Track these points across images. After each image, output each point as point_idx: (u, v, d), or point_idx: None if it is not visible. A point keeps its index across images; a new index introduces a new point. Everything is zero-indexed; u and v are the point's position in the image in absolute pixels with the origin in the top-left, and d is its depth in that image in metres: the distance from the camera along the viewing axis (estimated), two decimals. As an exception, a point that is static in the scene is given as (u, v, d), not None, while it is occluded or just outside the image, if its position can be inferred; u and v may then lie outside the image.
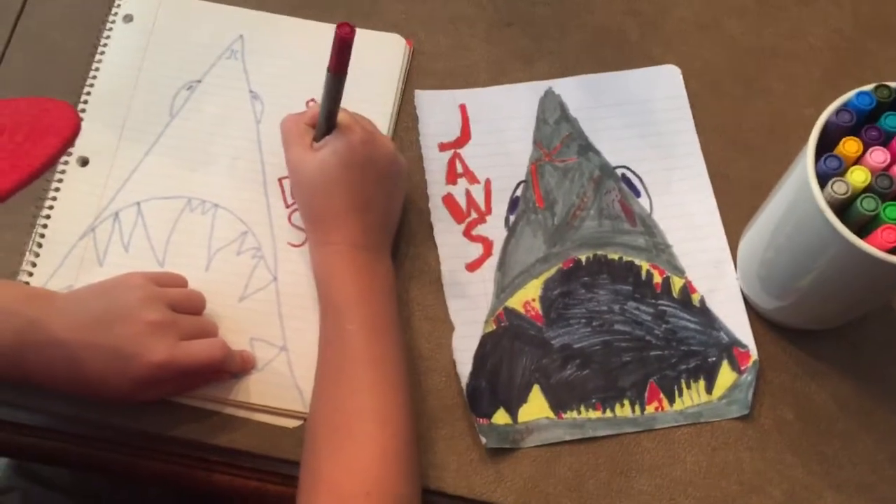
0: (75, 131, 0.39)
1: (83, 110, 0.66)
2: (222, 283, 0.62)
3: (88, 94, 0.67)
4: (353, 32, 0.53)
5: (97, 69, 0.68)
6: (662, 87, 0.70)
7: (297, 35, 0.70)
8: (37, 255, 0.62)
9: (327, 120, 0.59)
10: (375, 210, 0.59)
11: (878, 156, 0.50)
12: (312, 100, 0.67)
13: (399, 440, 0.54)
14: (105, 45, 0.68)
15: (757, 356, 0.62)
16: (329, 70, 0.56)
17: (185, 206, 0.64)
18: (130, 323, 0.55)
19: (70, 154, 0.65)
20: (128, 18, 0.69)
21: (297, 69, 0.68)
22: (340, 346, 0.56)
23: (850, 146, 0.50)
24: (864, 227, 0.50)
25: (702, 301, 0.64)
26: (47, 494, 0.71)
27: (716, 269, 0.64)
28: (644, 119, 0.69)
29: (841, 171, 0.50)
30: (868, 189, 0.49)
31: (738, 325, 0.63)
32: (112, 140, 0.66)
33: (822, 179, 0.50)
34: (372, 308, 0.57)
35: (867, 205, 0.49)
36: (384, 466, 0.52)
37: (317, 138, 0.60)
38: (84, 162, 0.65)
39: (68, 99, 0.67)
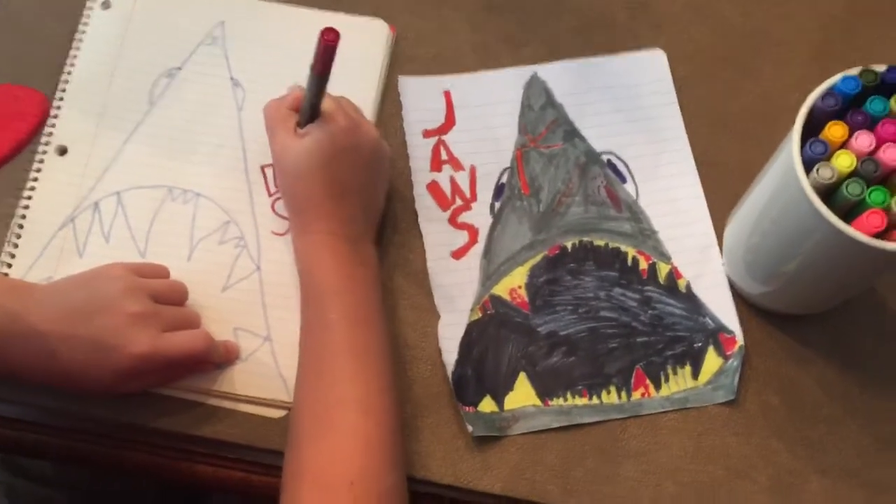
0: (43, 117, 0.39)
1: (61, 98, 0.65)
2: (205, 272, 0.61)
3: (66, 81, 0.66)
4: (337, 39, 0.53)
5: (75, 56, 0.66)
6: (649, 72, 0.69)
7: (279, 21, 0.69)
8: (15, 246, 0.61)
9: (311, 109, 0.58)
10: (359, 198, 0.59)
11: (864, 140, 0.49)
12: (299, 87, 0.67)
13: (383, 429, 0.53)
14: (83, 31, 0.67)
15: (743, 341, 0.62)
16: (312, 70, 0.56)
17: (166, 195, 0.63)
18: (112, 314, 0.54)
19: (48, 143, 0.64)
20: (106, 5, 0.68)
21: (279, 56, 0.67)
22: (322, 336, 0.56)
23: (835, 131, 0.50)
24: (849, 212, 0.50)
25: (688, 287, 0.63)
26: (31, 487, 0.71)
27: (702, 255, 0.64)
28: (630, 104, 0.68)
29: (826, 156, 0.50)
30: (853, 173, 0.49)
31: (724, 310, 0.63)
32: (91, 128, 0.65)
33: (808, 164, 0.50)
34: (354, 297, 0.57)
35: (852, 189, 0.48)
36: (368, 455, 0.52)
37: (301, 124, 0.59)
38: (62, 151, 0.64)
39: (46, 86, 0.65)
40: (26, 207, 0.62)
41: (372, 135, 0.60)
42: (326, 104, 0.59)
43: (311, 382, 0.55)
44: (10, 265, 0.61)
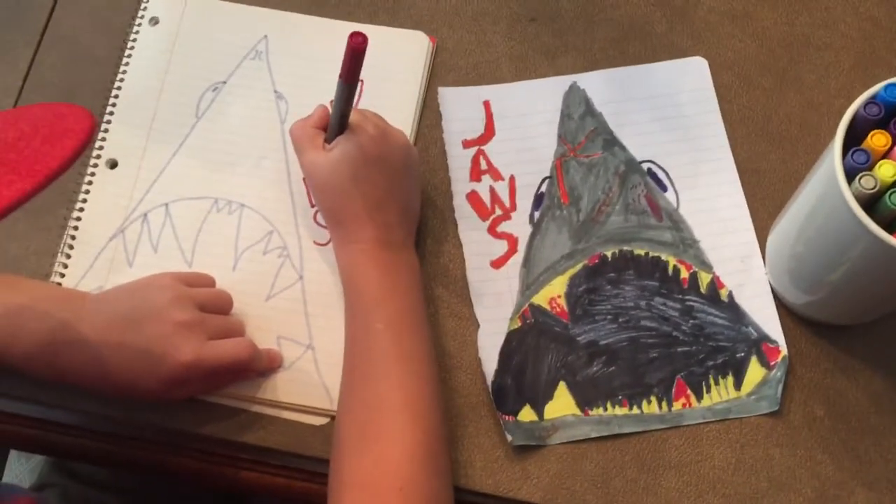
0: (91, 134, 0.40)
1: (111, 113, 0.67)
2: (249, 282, 0.63)
3: (116, 96, 0.68)
4: (365, 42, 0.53)
5: (124, 72, 0.68)
6: (689, 79, 0.69)
7: (321, 34, 0.70)
8: (68, 256, 0.63)
9: (339, 123, 0.59)
10: (394, 205, 0.60)
11: (908, 149, 0.49)
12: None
13: (430, 436, 0.54)
14: (132, 47, 0.69)
15: (787, 352, 0.61)
16: (340, 78, 0.56)
17: (211, 206, 0.65)
18: (159, 323, 0.56)
19: (99, 157, 0.66)
20: (154, 21, 0.70)
21: (321, 68, 0.68)
22: (368, 345, 0.56)
23: (877, 140, 0.49)
24: (893, 222, 0.49)
25: (730, 296, 0.63)
26: (84, 490, 0.72)
27: (744, 264, 0.64)
28: (670, 112, 0.68)
29: (869, 166, 0.49)
30: (897, 183, 0.49)
31: (768, 320, 0.62)
32: (140, 142, 0.66)
33: (850, 174, 0.49)
34: (399, 305, 0.57)
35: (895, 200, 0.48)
36: (416, 462, 0.52)
37: (329, 140, 0.60)
38: (113, 164, 0.66)
39: (97, 102, 0.68)
40: (78, 219, 0.64)
41: (401, 141, 0.61)
42: (352, 117, 0.59)
43: (358, 390, 0.56)
44: (63, 275, 0.63)
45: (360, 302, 0.58)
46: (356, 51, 0.53)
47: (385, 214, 0.59)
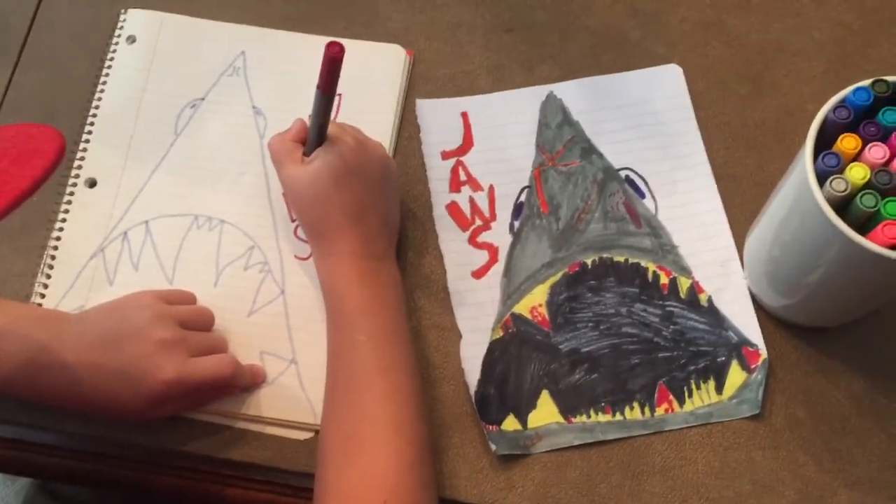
0: (60, 154, 0.40)
1: (90, 132, 0.67)
2: (231, 298, 0.63)
3: (94, 115, 0.68)
4: (342, 51, 0.53)
5: (102, 91, 0.69)
6: (664, 86, 0.70)
7: (299, 49, 0.70)
8: (48, 276, 0.63)
9: (318, 135, 0.59)
10: (374, 216, 0.60)
11: (877, 152, 0.49)
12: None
13: (414, 447, 0.54)
14: (109, 66, 0.69)
15: (767, 355, 0.62)
16: (318, 89, 0.56)
17: (192, 223, 0.65)
18: (140, 342, 0.56)
19: (78, 176, 0.66)
20: (131, 39, 0.70)
21: (299, 83, 0.69)
22: (350, 356, 0.57)
23: (847, 143, 0.50)
24: (865, 224, 0.50)
25: (710, 301, 0.63)
26: (68, 511, 0.72)
27: (723, 269, 0.64)
28: (647, 120, 0.69)
29: (840, 168, 0.50)
30: (868, 185, 0.49)
31: (747, 323, 0.63)
32: (119, 160, 0.66)
33: (822, 177, 0.50)
34: (380, 317, 0.58)
35: (867, 201, 0.48)
36: (400, 474, 0.53)
37: (307, 153, 0.60)
38: (92, 183, 0.66)
39: (75, 121, 0.68)
40: (58, 239, 0.64)
41: (379, 152, 0.61)
42: (330, 129, 0.60)
43: (341, 403, 0.56)
44: (43, 295, 0.63)
45: (342, 314, 0.58)
46: (333, 60, 0.54)
47: (365, 225, 0.59)
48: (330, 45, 0.53)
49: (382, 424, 0.54)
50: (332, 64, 0.54)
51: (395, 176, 0.63)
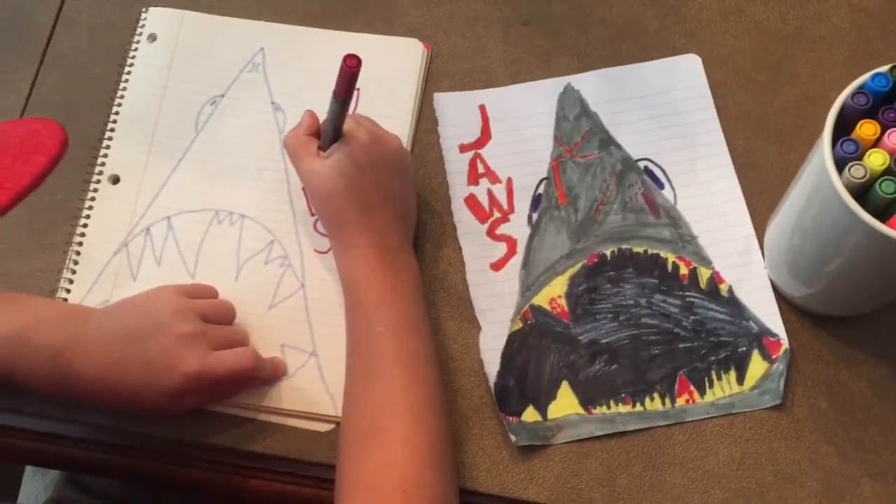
0: (63, 148, 0.41)
1: (112, 129, 0.68)
2: (252, 292, 0.63)
3: (117, 113, 0.69)
4: (359, 64, 0.55)
5: (124, 89, 0.69)
6: (683, 76, 0.70)
7: (317, 45, 0.71)
8: (73, 272, 0.64)
9: (334, 133, 0.60)
10: (391, 208, 0.60)
11: (897, 137, 0.49)
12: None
13: (433, 438, 0.54)
14: (131, 65, 0.70)
15: (788, 345, 0.61)
16: (334, 97, 0.57)
17: (213, 218, 0.66)
18: (163, 335, 0.56)
19: (101, 173, 0.67)
20: (152, 38, 0.71)
21: (318, 79, 0.69)
22: (370, 348, 0.57)
23: (866, 129, 0.49)
24: (885, 210, 0.49)
25: (730, 291, 0.63)
26: (96, 503, 0.73)
27: (743, 258, 0.64)
28: (665, 110, 0.69)
29: (859, 155, 0.49)
30: (887, 171, 0.49)
31: (768, 313, 0.62)
32: (141, 157, 0.67)
33: (841, 164, 0.49)
34: (399, 308, 0.58)
35: (886, 188, 0.48)
36: (419, 464, 0.53)
37: (324, 148, 0.61)
38: (115, 180, 0.67)
39: (98, 119, 0.69)
40: (82, 235, 0.65)
41: (395, 144, 0.62)
42: (346, 124, 0.60)
43: (361, 394, 0.56)
44: (68, 290, 0.63)
45: (361, 306, 0.58)
46: (350, 72, 0.55)
47: (382, 217, 0.59)
48: (347, 58, 0.55)
49: (401, 415, 0.54)
50: (349, 76, 0.55)
51: (411, 168, 0.63)
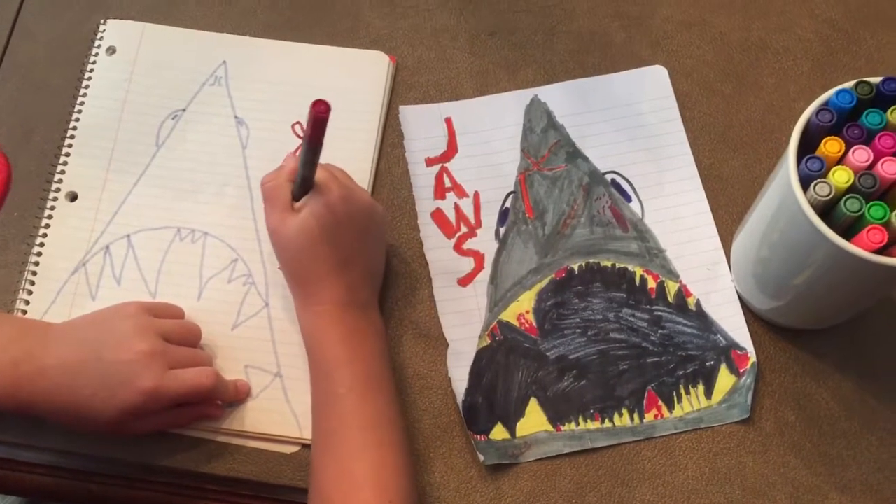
0: (5, 188, 0.39)
1: (70, 144, 0.67)
2: (215, 311, 0.62)
3: (75, 128, 0.67)
4: (328, 110, 0.52)
5: (82, 103, 0.68)
6: (649, 88, 0.69)
7: (280, 58, 0.70)
8: (30, 292, 0.62)
9: (304, 181, 0.58)
10: (359, 266, 0.59)
11: (861, 155, 0.49)
12: (298, 123, 0.67)
13: (394, 500, 0.53)
14: (89, 78, 0.69)
15: (756, 358, 0.61)
16: (305, 143, 0.55)
17: (174, 235, 0.64)
18: (121, 351, 0.55)
19: (58, 190, 0.65)
20: (111, 50, 0.70)
21: (281, 92, 0.68)
22: (331, 411, 0.55)
23: (831, 146, 0.49)
24: (850, 227, 0.49)
25: (697, 304, 0.63)
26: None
27: (710, 272, 0.64)
28: (632, 122, 0.68)
29: (823, 172, 0.49)
30: (852, 189, 0.49)
31: (736, 327, 0.62)
32: (100, 173, 0.66)
33: (806, 181, 0.49)
34: (362, 368, 0.56)
35: (851, 205, 0.48)
36: None
37: (295, 196, 0.59)
38: (73, 197, 0.65)
39: (55, 133, 0.67)
40: (39, 254, 0.63)
41: (365, 199, 0.60)
42: (319, 174, 0.58)
43: (325, 459, 0.55)
44: (24, 311, 0.62)
45: (324, 365, 0.57)
46: (319, 118, 0.53)
47: (350, 275, 0.58)
48: (316, 104, 0.52)
49: (364, 485, 0.53)
50: (318, 122, 0.53)
51: (381, 222, 0.61)
